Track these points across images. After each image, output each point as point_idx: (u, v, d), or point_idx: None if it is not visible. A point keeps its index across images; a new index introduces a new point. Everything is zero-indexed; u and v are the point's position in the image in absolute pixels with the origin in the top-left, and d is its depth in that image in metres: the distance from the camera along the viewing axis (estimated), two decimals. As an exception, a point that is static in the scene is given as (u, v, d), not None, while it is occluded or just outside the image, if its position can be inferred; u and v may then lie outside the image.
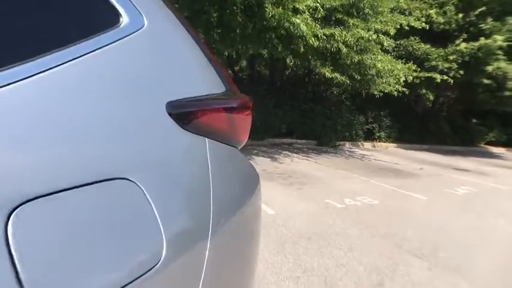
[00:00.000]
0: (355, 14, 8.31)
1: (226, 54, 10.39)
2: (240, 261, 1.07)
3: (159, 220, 0.73)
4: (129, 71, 0.84)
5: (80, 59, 0.73)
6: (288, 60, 8.40)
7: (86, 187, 0.64)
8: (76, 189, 0.63)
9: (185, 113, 0.92)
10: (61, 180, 0.62)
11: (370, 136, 14.09)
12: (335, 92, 13.74)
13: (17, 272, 0.52)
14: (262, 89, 11.83)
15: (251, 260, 1.15)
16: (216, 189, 0.91)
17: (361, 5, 8.21)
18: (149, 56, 0.92)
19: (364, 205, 4.97)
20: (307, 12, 7.47)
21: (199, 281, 0.81)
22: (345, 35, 7.86)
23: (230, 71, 14.59)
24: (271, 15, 7.26)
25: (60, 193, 0.61)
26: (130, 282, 0.65)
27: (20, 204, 0.56)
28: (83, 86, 0.72)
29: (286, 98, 12.01)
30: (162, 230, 0.72)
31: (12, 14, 0.68)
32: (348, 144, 12.81)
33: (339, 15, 8.18)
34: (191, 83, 1.01)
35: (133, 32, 0.89)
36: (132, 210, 0.70)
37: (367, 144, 13.53)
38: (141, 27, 0.91)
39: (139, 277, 0.67)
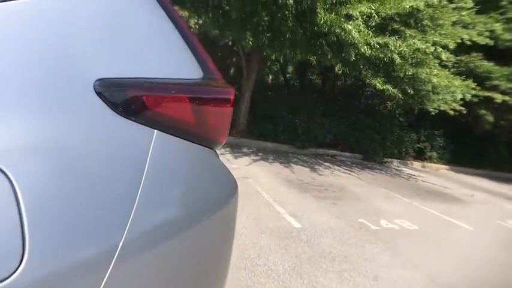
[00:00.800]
0: (412, 24, 7.82)
1: (273, 58, 10.18)
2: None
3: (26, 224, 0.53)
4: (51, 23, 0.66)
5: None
6: (336, 69, 8.02)
7: None
8: None
9: (123, 95, 0.72)
10: None
11: (420, 155, 13.29)
12: (388, 107, 13.13)
13: None
14: (313, 97, 11.53)
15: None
16: (147, 195, 0.70)
17: (420, 16, 7.70)
18: (88, 15, 0.74)
19: (402, 229, 4.54)
20: (360, 19, 7.12)
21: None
22: (399, 45, 7.39)
23: (282, 78, 14.43)
24: (323, 21, 6.99)
25: None
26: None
27: None
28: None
29: (335, 108, 11.61)
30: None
31: None
32: (395, 162, 12.14)
33: (395, 25, 7.73)
34: (147, 62, 0.81)
35: None
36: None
37: (417, 164, 12.75)
38: None
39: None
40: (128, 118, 0.72)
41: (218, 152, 1.03)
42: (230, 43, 11.12)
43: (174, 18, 0.90)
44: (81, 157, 0.64)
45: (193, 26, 7.56)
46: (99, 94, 0.68)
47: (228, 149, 8.32)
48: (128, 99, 0.73)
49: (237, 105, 9.55)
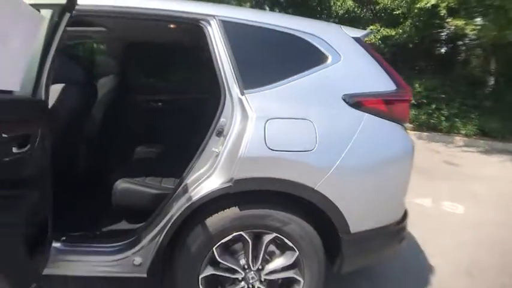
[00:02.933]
0: None
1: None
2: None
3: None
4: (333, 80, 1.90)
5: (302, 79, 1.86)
6: None
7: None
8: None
9: (353, 99, 1.88)
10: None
11: None
12: None
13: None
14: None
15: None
16: (358, 139, 1.82)
17: None
18: (344, 73, 1.94)
19: None
20: None
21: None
22: None
23: None
24: None
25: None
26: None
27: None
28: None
29: None
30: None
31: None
32: None
33: None
34: (367, 84, 1.94)
35: (336, 63, 1.93)
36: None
37: None
38: (339, 61, 1.94)
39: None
40: (354, 108, 1.87)
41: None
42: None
43: (373, 54, 2.00)
44: (337, 126, 1.83)
45: (470, 32, 7.74)
46: (343, 100, 1.87)
47: None
48: (356, 101, 1.88)
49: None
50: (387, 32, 8.56)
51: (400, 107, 1.99)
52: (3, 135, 1.30)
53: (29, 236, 1.48)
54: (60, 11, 1.58)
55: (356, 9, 9.07)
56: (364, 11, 8.99)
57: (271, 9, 11.18)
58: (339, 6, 9.28)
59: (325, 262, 1.93)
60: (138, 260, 1.85)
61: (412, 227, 2.46)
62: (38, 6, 1.55)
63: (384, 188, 1.95)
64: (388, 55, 8.56)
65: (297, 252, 1.86)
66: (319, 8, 10.37)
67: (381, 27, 8.73)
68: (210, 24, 1.86)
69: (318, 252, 1.88)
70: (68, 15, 1.59)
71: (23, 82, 1.47)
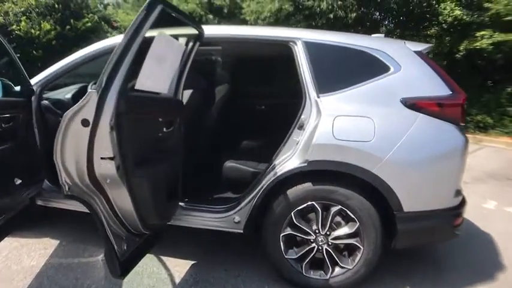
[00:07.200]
0: None
1: None
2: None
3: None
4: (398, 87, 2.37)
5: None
6: None
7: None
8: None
9: (410, 102, 2.30)
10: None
11: None
12: None
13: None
14: None
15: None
16: (412, 134, 2.24)
17: None
18: (403, 80, 2.39)
19: None
20: None
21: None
22: None
23: None
24: None
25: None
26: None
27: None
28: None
29: None
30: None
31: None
32: None
33: None
34: (423, 89, 2.36)
35: (396, 72, 2.39)
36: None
37: None
38: (400, 70, 2.39)
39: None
40: (411, 109, 2.28)
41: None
42: None
43: (436, 69, 2.39)
44: (393, 122, 2.28)
45: None
46: (401, 102, 2.29)
47: None
48: (412, 103, 2.29)
49: None
50: (502, 38, 8.19)
51: (453, 109, 2.34)
52: (160, 119, 2.13)
53: (169, 186, 2.31)
54: (194, 40, 2.39)
55: (465, 17, 8.83)
56: (475, 17, 8.69)
57: (382, 19, 11.42)
58: (446, 14, 9.14)
59: (382, 234, 2.35)
60: (237, 218, 2.51)
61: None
62: (177, 36, 2.37)
63: (433, 177, 2.33)
64: (501, 61, 8.21)
65: (358, 223, 2.33)
66: (427, 15, 10.27)
67: (494, 32, 8.38)
68: (296, 44, 2.49)
69: (375, 225, 2.33)
70: (198, 43, 2.40)
71: (169, 88, 2.30)
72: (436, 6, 9.56)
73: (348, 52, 2.47)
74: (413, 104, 2.29)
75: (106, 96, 1.72)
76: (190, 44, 2.42)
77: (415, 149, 2.28)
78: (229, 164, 2.83)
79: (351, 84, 2.37)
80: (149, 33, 1.90)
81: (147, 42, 1.91)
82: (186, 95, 2.71)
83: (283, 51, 2.61)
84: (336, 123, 2.28)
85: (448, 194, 2.40)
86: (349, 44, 2.48)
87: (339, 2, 9.41)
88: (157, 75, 2.09)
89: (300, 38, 2.50)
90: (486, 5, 8.42)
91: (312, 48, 2.46)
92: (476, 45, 8.44)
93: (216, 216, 2.58)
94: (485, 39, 8.22)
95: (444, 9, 9.16)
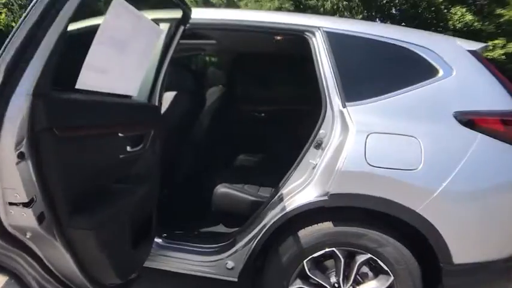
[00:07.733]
0: None
1: None
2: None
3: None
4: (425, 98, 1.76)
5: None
6: None
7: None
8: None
9: (465, 118, 1.71)
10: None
11: None
12: None
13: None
14: None
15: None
16: (469, 161, 1.64)
17: None
18: (456, 88, 1.79)
19: None
20: None
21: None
22: None
23: None
24: None
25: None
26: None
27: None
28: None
29: None
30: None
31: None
32: None
33: None
34: (482, 101, 1.77)
35: (447, 77, 1.79)
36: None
37: None
38: (451, 75, 1.79)
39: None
40: (467, 127, 1.69)
41: None
42: None
43: (491, 69, 1.79)
44: (446, 145, 1.68)
45: None
46: (454, 117, 1.71)
47: None
48: (468, 119, 1.70)
49: None
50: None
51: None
52: (120, 134, 1.45)
53: (135, 227, 1.62)
54: (175, 25, 1.73)
55: (476, 23, 8.34)
56: (486, 24, 8.21)
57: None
58: (456, 20, 8.63)
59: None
60: (230, 263, 1.89)
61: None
62: (157, 21, 1.72)
63: (495, 218, 1.73)
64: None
65: (392, 277, 1.74)
66: (435, 21, 9.77)
67: (507, 42, 7.91)
68: (314, 35, 1.87)
69: (415, 280, 1.74)
70: (182, 28, 1.73)
71: (140, 88, 1.63)
72: (445, 11, 9.06)
73: (385, 48, 1.85)
74: (471, 121, 1.70)
75: (5, 102, 1.02)
76: (172, 27, 1.76)
77: (473, 182, 1.69)
78: (221, 189, 2.17)
79: (388, 91, 1.76)
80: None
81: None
82: (167, 98, 2.08)
83: (296, 43, 2.00)
84: (369, 142, 1.66)
85: (510, 238, 1.81)
86: (387, 38, 1.85)
87: (345, 3, 8.83)
88: (114, 68, 1.40)
89: (320, 26, 1.87)
90: (499, 11, 7.95)
91: (336, 41, 1.85)
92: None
93: (202, 260, 1.96)
94: (498, 49, 7.75)
95: (455, 14, 8.65)
